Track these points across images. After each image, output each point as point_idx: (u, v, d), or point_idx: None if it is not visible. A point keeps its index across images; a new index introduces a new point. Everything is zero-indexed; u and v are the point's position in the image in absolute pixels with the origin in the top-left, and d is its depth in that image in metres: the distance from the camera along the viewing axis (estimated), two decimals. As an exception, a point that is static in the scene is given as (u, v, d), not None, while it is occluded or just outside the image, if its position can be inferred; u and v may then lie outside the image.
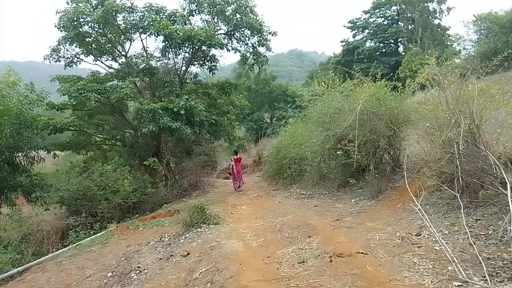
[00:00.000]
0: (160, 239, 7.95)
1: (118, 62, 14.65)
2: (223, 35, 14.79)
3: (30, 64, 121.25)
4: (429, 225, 5.08)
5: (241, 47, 15.07)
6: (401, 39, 41.73)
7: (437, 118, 7.67)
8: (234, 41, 15.25)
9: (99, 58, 14.49)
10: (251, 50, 15.32)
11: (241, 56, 15.49)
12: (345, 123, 8.80)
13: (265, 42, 14.75)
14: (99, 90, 12.18)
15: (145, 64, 12.96)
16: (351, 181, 9.21)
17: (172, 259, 6.24)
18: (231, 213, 9.47)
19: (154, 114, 11.57)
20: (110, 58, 14.73)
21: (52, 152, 12.90)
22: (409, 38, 39.81)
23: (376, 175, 8.69)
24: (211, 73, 14.88)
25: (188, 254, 6.20)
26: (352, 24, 44.74)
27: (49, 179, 11.27)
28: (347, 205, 8.66)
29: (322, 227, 6.61)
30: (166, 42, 12.88)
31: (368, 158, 8.87)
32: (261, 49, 15.24)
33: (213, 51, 14.83)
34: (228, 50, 14.72)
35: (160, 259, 6.46)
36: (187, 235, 7.30)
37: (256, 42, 14.97)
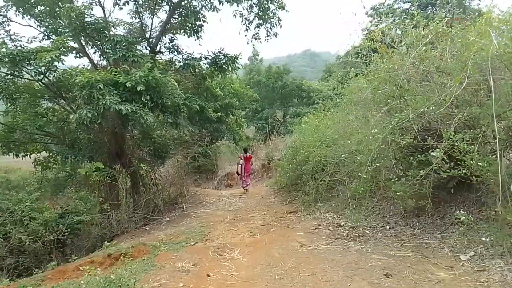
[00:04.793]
0: None
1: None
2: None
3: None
4: None
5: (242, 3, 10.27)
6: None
7: None
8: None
9: (38, 18, 9.95)
10: (256, 8, 10.58)
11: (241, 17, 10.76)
12: (448, 92, 4.07)
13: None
14: (11, 58, 7.55)
15: (88, 15, 8.24)
16: (462, 216, 4.28)
17: None
18: (208, 275, 4.74)
19: (91, 91, 6.96)
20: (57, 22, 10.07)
21: None
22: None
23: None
24: (195, 37, 10.14)
25: None
26: (374, 11, 39.82)
27: None
28: (460, 272, 3.87)
29: None
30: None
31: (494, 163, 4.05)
32: (271, 6, 10.50)
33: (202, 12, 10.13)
34: (219, 1, 9.87)
35: None
36: None
37: (263, -5, 10.24)
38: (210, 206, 10.09)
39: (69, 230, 7.20)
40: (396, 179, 4.63)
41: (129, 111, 6.99)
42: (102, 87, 6.98)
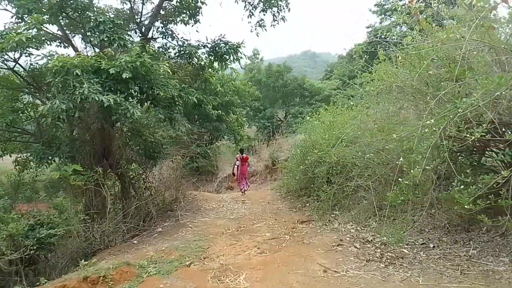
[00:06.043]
0: None
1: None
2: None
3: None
4: None
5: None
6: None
7: None
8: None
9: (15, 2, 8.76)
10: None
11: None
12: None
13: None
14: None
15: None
16: None
17: None
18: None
19: (66, 78, 5.79)
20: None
21: None
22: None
23: None
24: (193, 20, 8.96)
25: None
26: (379, 8, 38.55)
27: None
28: None
29: None
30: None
31: None
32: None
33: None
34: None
35: None
36: None
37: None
38: (209, 213, 8.88)
39: (39, 245, 6.04)
40: (462, 186, 3.43)
41: (112, 102, 5.80)
42: (79, 74, 5.80)
